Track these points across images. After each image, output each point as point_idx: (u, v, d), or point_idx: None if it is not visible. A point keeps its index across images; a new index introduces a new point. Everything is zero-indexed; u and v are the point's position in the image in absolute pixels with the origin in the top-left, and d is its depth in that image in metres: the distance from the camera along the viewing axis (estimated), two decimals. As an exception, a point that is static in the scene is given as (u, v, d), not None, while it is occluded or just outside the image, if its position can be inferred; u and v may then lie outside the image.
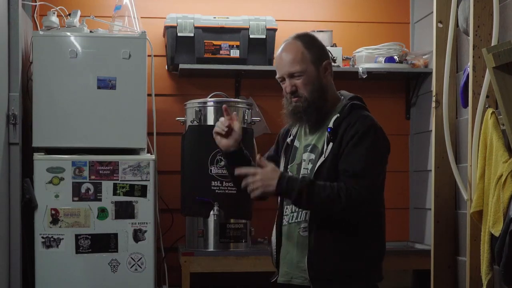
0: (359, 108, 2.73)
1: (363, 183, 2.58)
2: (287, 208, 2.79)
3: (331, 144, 2.66)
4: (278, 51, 2.77)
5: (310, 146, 2.75)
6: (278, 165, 2.85)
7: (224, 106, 2.84)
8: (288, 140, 2.86)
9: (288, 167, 2.80)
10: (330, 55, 3.55)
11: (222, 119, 2.83)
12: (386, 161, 2.72)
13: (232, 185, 3.99)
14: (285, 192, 2.63)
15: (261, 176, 2.61)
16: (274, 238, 2.85)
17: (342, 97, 2.80)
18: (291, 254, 2.76)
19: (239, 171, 2.68)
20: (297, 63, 2.69)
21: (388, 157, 2.74)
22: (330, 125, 2.68)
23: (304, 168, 2.74)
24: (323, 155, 2.67)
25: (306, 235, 2.69)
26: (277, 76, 2.76)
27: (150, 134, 4.09)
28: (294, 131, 2.87)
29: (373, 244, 2.72)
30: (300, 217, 2.73)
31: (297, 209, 2.74)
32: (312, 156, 2.73)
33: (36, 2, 4.31)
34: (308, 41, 2.75)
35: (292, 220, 2.76)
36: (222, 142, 2.84)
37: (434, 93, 3.80)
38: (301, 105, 2.70)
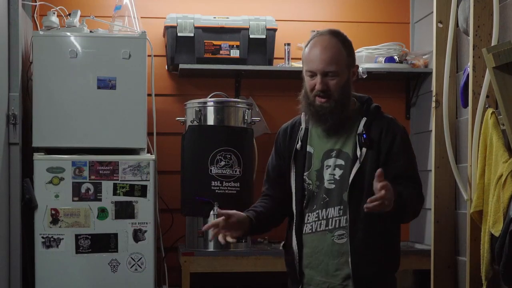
0: (381, 111, 2.75)
1: (420, 184, 2.69)
2: (309, 216, 2.70)
3: (364, 149, 2.62)
4: (310, 43, 2.67)
5: (335, 151, 2.68)
6: (284, 172, 2.77)
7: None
8: (297, 146, 2.74)
9: (305, 174, 2.70)
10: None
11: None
12: None
13: (234, 185, 4.01)
14: (399, 208, 2.52)
15: (389, 195, 2.43)
16: (296, 247, 2.71)
17: (354, 98, 2.75)
18: (325, 263, 2.67)
19: (371, 201, 2.45)
20: (335, 63, 2.61)
21: None
22: (361, 130, 2.64)
23: (330, 174, 2.66)
24: (358, 160, 2.62)
25: (343, 242, 2.64)
26: (306, 69, 2.65)
27: (150, 134, 4.09)
28: (300, 134, 2.76)
29: (398, 246, 2.75)
30: (332, 224, 2.65)
31: (326, 217, 2.66)
32: (341, 162, 2.66)
33: (36, 2, 4.30)
34: (345, 43, 2.68)
35: (320, 228, 2.67)
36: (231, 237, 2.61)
37: (434, 93, 3.80)
38: (329, 106, 2.62)
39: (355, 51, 4.61)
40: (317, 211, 2.68)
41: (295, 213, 2.72)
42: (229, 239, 2.57)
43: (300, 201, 2.70)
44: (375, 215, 2.51)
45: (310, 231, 2.69)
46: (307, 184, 2.70)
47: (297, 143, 2.74)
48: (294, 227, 2.72)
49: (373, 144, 2.62)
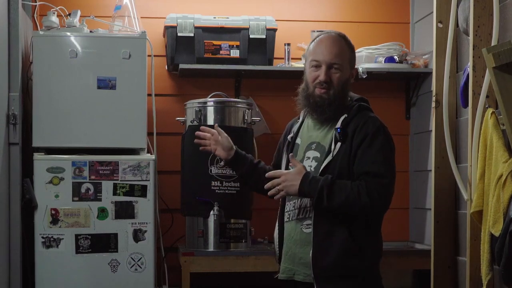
0: (366, 109, 2.81)
1: (384, 182, 2.68)
2: (288, 204, 2.85)
3: (339, 144, 2.72)
4: (318, 39, 2.85)
5: (315, 144, 2.81)
6: (280, 161, 2.95)
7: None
8: (289, 137, 2.92)
9: (290, 164, 2.83)
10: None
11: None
12: (394, 160, 2.81)
13: (234, 185, 4.01)
14: (307, 193, 2.69)
15: (285, 177, 2.70)
16: (277, 235, 2.90)
17: (349, 98, 2.87)
18: (293, 251, 2.80)
19: (268, 175, 2.76)
20: (340, 57, 2.79)
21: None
22: (339, 125, 2.74)
23: (308, 166, 2.78)
24: (331, 154, 2.72)
25: (310, 232, 2.73)
26: (312, 59, 2.80)
27: (150, 134, 4.08)
28: (295, 127, 2.93)
29: (374, 244, 2.78)
30: (302, 213, 2.77)
31: (299, 206, 2.79)
32: (317, 154, 2.78)
33: (36, 2, 4.30)
34: (350, 45, 2.86)
35: (294, 217, 2.81)
36: (218, 153, 3.04)
37: (434, 93, 3.80)
38: (328, 97, 2.77)
39: (355, 51, 4.63)
40: (294, 201, 2.82)
41: (280, 202, 2.90)
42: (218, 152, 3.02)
43: None
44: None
45: (288, 219, 2.84)
46: None
47: (290, 134, 2.93)
48: (278, 215, 2.89)
49: (347, 139, 2.72)
